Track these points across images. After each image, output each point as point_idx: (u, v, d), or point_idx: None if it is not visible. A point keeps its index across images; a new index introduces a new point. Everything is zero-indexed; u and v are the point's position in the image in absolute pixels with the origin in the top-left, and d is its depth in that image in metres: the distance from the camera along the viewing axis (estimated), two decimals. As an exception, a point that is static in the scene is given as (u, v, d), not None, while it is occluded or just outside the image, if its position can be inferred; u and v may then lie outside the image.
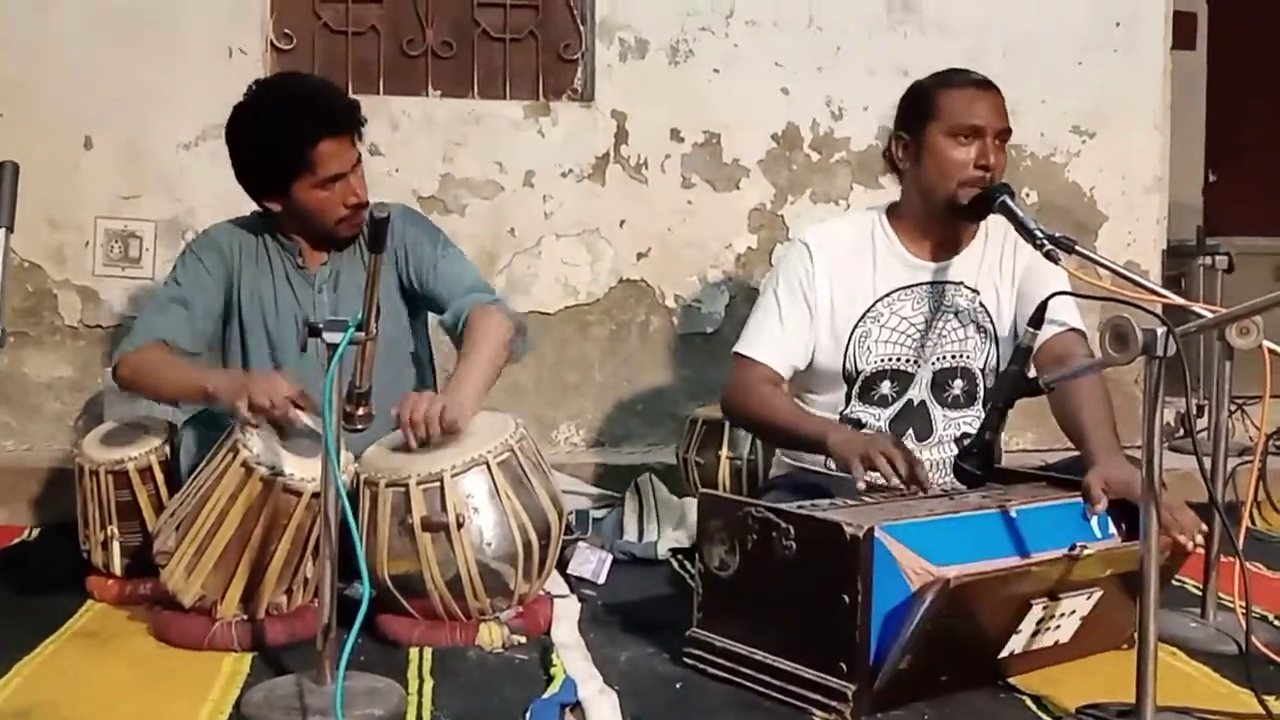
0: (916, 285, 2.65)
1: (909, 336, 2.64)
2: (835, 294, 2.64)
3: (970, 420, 2.65)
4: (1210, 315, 2.12)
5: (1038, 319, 2.26)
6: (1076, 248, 2.47)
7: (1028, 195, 4.27)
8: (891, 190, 2.74)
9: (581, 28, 4.16)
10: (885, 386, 2.65)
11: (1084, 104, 4.34)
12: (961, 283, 2.66)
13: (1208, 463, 2.30)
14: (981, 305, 2.66)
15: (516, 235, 4.08)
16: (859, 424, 2.65)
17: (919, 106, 2.60)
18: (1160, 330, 1.82)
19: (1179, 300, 2.44)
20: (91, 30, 3.84)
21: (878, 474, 2.30)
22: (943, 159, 2.55)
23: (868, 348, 2.63)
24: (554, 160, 4.09)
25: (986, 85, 2.59)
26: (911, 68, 2.70)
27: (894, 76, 3.78)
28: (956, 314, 2.65)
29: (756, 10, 4.15)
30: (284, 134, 2.65)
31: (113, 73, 3.85)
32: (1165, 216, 4.47)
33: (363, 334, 2.08)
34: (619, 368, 4.16)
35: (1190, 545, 2.20)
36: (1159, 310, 2.01)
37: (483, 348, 2.64)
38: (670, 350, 4.18)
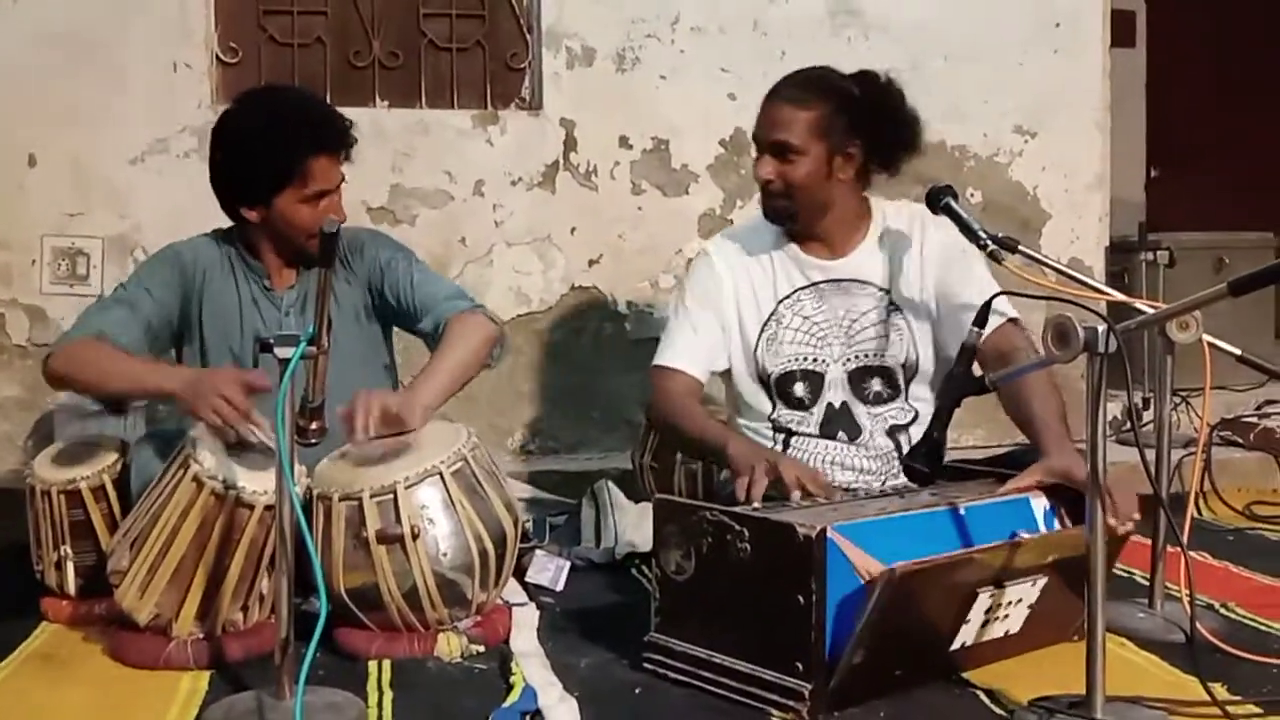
0: (816, 284, 2.69)
1: (813, 336, 2.67)
2: (741, 300, 2.70)
3: (895, 413, 2.67)
4: (1150, 312, 2.17)
5: (981, 318, 2.29)
6: (1020, 247, 2.51)
7: (972, 195, 4.32)
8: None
9: (528, 36, 4.17)
10: (799, 388, 2.67)
11: (1026, 104, 4.40)
12: (868, 281, 2.69)
13: (1151, 455, 2.35)
14: (891, 303, 2.68)
15: (468, 244, 4.09)
16: (790, 432, 2.67)
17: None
18: (1101, 328, 1.86)
19: (1120, 296, 2.49)
20: (33, 48, 3.80)
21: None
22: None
23: (775, 350, 2.67)
24: (503, 169, 4.10)
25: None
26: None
27: (839, 80, 3.81)
28: (864, 312, 2.68)
29: (701, 17, 4.18)
30: (279, 144, 2.62)
31: (56, 90, 3.82)
32: (1108, 213, 4.54)
33: (314, 348, 2.07)
34: (573, 374, 4.17)
35: (1120, 529, 2.23)
36: (1101, 308, 2.05)
37: (449, 353, 2.65)
38: (623, 356, 4.19)
